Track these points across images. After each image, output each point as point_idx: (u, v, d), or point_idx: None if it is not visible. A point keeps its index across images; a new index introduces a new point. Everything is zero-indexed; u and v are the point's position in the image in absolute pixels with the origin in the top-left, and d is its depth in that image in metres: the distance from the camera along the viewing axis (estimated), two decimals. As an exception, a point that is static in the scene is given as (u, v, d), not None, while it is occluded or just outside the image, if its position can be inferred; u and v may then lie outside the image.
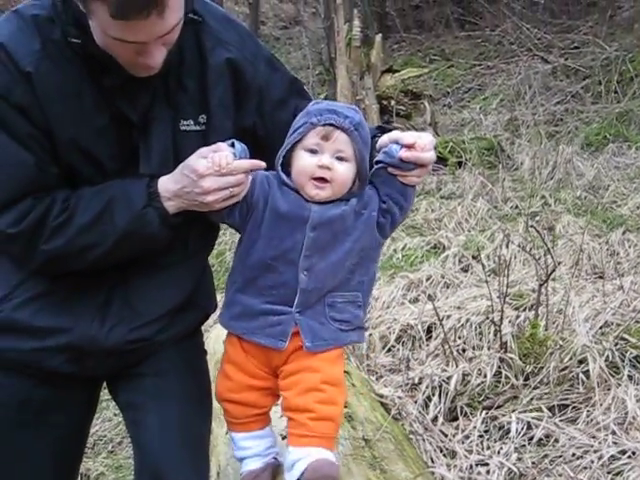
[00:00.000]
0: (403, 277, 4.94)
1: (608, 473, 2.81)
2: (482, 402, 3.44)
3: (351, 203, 1.84)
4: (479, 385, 3.50)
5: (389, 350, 4.13)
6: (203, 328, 2.18)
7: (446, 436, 3.26)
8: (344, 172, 1.81)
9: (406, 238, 5.93)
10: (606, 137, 8.13)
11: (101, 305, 1.91)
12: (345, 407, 2.45)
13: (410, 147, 1.80)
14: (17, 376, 1.94)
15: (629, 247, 5.29)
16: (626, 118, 8.47)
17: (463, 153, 7.68)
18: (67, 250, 1.78)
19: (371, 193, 1.87)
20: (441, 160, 7.47)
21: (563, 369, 3.45)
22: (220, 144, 1.80)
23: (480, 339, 3.91)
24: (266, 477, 1.99)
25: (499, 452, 3.08)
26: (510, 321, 3.85)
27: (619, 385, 3.29)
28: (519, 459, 3.01)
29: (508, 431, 3.20)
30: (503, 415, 3.31)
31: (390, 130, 1.91)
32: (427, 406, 3.46)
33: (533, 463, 2.96)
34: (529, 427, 3.19)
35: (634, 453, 2.87)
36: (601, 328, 3.74)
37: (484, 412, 3.35)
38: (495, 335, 3.80)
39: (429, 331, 4.17)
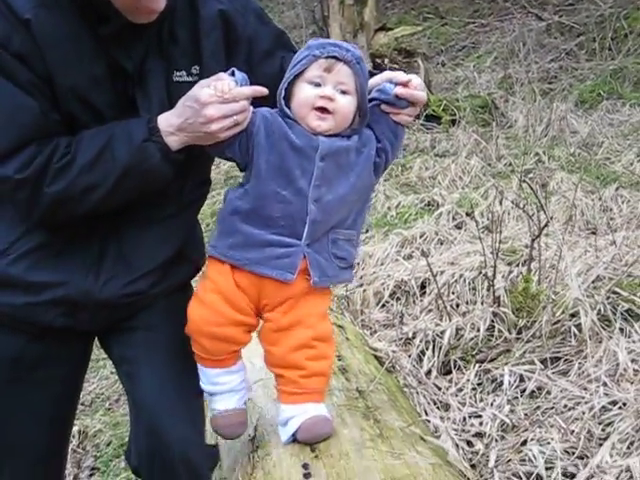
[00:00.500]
0: (397, 234, 4.94)
1: (599, 424, 2.83)
2: (475, 356, 3.45)
3: (353, 139, 1.86)
4: (472, 339, 3.52)
5: (383, 306, 4.15)
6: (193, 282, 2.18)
7: (440, 389, 3.29)
8: (346, 104, 1.82)
9: (400, 196, 5.92)
10: (600, 94, 8.09)
11: (95, 259, 1.93)
12: (339, 360, 2.48)
13: (404, 85, 1.84)
14: (10, 332, 1.96)
15: (622, 203, 5.28)
16: (620, 75, 8.42)
17: (457, 111, 7.64)
18: (70, 192, 1.79)
19: (369, 133, 1.89)
20: (435, 118, 7.44)
21: (555, 323, 3.45)
22: (221, 73, 1.80)
23: (473, 294, 3.92)
24: (243, 416, 2.01)
25: (492, 404, 3.10)
26: (503, 276, 3.85)
27: (610, 338, 3.30)
28: (512, 411, 3.03)
29: (501, 384, 3.22)
30: (496, 368, 3.32)
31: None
32: (421, 360, 3.48)
33: (525, 415, 2.98)
34: (521, 380, 3.21)
35: (624, 404, 2.89)
36: (593, 282, 3.74)
37: (477, 365, 3.37)
38: (488, 290, 3.81)
39: (423, 287, 4.18)
